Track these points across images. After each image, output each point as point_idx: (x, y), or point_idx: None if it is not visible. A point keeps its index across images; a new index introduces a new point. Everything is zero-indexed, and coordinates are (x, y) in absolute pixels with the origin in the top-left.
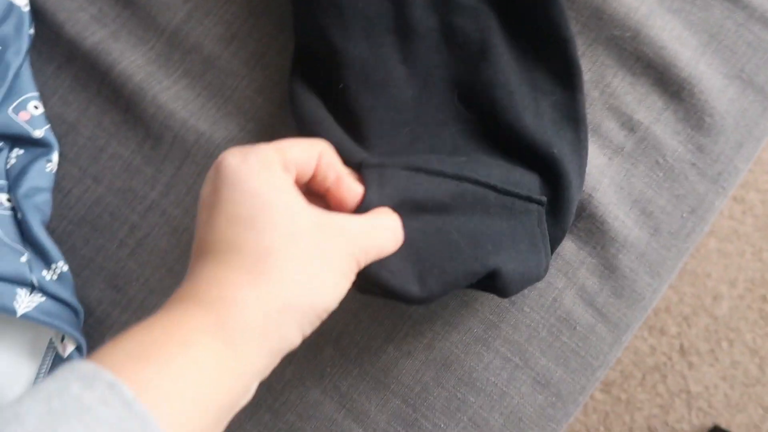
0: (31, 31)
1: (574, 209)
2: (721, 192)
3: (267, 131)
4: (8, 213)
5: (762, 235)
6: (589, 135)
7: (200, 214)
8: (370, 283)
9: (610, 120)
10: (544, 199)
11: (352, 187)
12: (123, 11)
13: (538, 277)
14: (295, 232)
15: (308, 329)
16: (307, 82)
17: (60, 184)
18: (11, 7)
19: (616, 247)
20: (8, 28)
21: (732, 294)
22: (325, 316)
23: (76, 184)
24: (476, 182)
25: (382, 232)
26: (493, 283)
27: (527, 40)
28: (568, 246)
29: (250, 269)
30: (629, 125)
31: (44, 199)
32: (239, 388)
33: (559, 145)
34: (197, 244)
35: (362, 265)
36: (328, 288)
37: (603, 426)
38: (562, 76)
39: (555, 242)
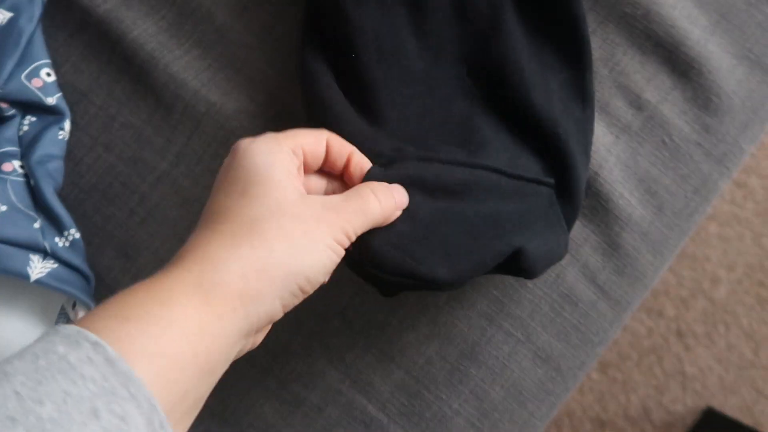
0: None
1: (582, 187)
2: (725, 172)
3: (277, 102)
4: (21, 179)
5: (762, 221)
6: (598, 113)
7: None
8: (398, 274)
9: (618, 98)
10: (551, 180)
11: (362, 164)
12: None
13: (561, 256)
14: (282, 204)
15: (289, 299)
16: (318, 54)
17: (72, 152)
18: None
19: (620, 225)
20: None
21: (730, 278)
22: (308, 287)
23: (88, 152)
24: (487, 168)
25: (365, 201)
26: (518, 263)
27: (539, 17)
28: None
29: (235, 234)
30: (637, 104)
31: (57, 166)
32: (218, 348)
33: (565, 124)
34: (199, 218)
35: (353, 236)
36: (310, 258)
37: (599, 405)
38: (573, 53)
39: (569, 222)
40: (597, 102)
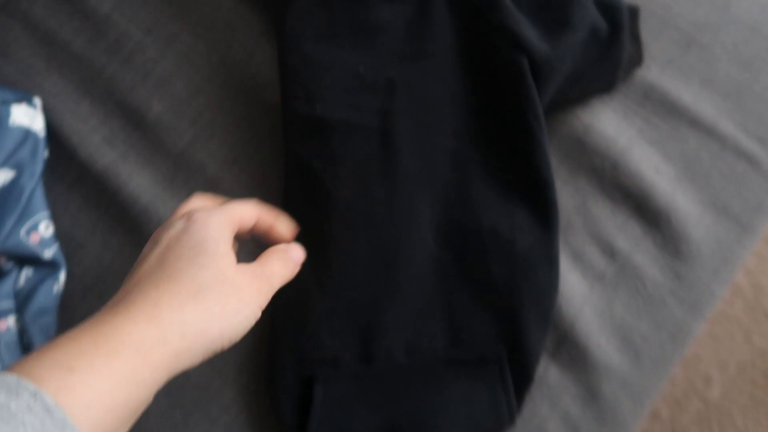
0: (46, 153)
1: (536, 355)
2: (698, 317)
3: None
4: (14, 339)
5: (751, 318)
6: (573, 262)
7: (152, 247)
8: None
9: (592, 247)
10: (500, 351)
11: (282, 233)
12: (133, 133)
13: (501, 429)
14: (225, 274)
15: (208, 356)
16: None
17: (65, 302)
18: (28, 134)
19: (598, 374)
20: (24, 152)
21: (723, 378)
22: (227, 346)
23: (80, 302)
24: (424, 364)
25: (275, 266)
26: None
27: (508, 181)
28: (551, 372)
29: (181, 295)
30: (610, 252)
31: (50, 320)
32: (146, 394)
33: (522, 292)
34: (139, 270)
35: (269, 292)
36: (239, 321)
37: None
38: (541, 217)
39: (521, 388)
40: (571, 251)
